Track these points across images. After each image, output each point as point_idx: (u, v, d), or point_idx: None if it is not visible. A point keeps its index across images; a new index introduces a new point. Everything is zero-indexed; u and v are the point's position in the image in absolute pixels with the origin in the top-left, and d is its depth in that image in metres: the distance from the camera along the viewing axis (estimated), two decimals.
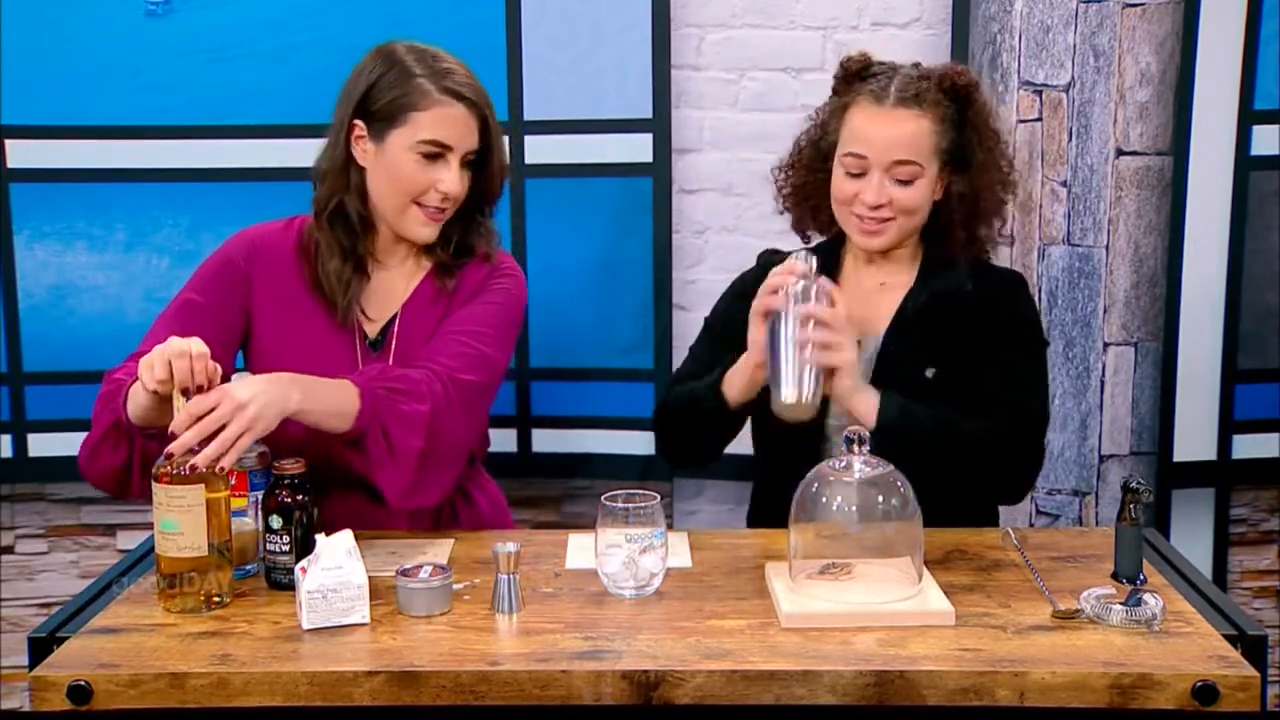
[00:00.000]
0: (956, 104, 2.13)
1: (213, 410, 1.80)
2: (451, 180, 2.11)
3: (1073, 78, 2.73)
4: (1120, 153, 2.75)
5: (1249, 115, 2.76)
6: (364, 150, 2.13)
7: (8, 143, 2.80)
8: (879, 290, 2.21)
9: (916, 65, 2.18)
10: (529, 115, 2.80)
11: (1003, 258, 2.77)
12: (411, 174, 2.10)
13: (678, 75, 2.84)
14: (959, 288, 2.16)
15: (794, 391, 1.95)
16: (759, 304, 2.03)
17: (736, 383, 2.10)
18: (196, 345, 1.84)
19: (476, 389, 2.09)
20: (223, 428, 1.80)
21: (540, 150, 2.81)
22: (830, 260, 2.23)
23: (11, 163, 2.81)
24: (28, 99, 2.78)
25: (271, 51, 2.78)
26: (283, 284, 2.19)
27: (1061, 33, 2.71)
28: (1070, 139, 2.74)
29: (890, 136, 2.10)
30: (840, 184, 2.15)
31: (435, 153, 2.10)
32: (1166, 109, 2.75)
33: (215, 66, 2.78)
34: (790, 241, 2.32)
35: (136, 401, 1.91)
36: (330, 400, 1.95)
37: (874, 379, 2.12)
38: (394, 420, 1.98)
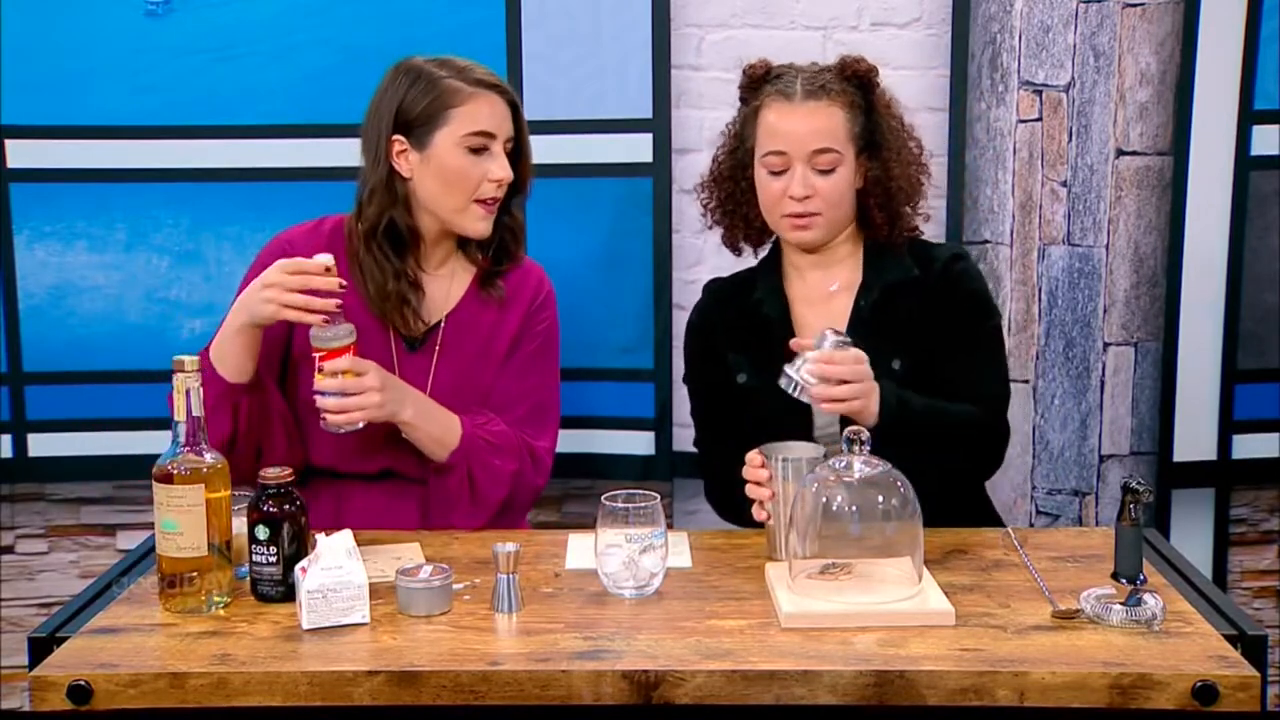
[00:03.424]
0: (861, 90, 2.19)
1: (360, 376, 2.04)
2: (501, 168, 2.17)
3: (1073, 78, 2.73)
4: (1120, 153, 2.75)
5: (1249, 115, 2.76)
6: (407, 163, 2.18)
7: (8, 143, 2.80)
8: (830, 297, 2.23)
9: (814, 64, 2.23)
10: (529, 115, 2.76)
11: (1002, 258, 2.77)
12: (464, 170, 2.16)
13: (678, 75, 2.83)
14: (906, 275, 2.20)
15: (780, 556, 1.94)
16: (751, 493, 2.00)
17: None
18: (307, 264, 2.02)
19: (548, 451, 2.27)
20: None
21: (540, 150, 2.77)
22: (773, 277, 2.26)
23: (11, 163, 2.81)
24: (28, 99, 2.78)
25: (272, 51, 2.78)
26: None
27: (1061, 33, 2.71)
28: (1070, 139, 2.74)
29: (805, 128, 2.14)
30: (765, 185, 2.18)
31: (480, 145, 2.16)
32: (1166, 109, 2.74)
33: (215, 66, 2.78)
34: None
35: (225, 355, 2.07)
36: (437, 427, 2.15)
37: None
38: (483, 469, 2.17)
